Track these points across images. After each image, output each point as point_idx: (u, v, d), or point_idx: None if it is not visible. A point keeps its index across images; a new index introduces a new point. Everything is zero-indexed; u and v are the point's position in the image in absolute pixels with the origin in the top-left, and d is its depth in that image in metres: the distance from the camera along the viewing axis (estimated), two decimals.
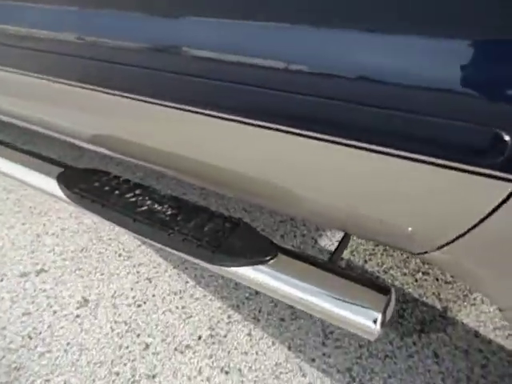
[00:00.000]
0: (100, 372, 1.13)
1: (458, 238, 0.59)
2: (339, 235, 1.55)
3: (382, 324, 0.72)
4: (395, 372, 1.10)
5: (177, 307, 1.30)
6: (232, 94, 0.68)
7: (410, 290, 1.34)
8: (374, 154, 0.58)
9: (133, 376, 1.12)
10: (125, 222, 1.01)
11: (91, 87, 0.90)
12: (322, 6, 0.57)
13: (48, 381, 1.12)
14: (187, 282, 1.39)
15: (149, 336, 1.22)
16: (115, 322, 1.27)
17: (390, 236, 0.75)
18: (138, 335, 1.22)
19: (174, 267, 1.44)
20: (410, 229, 0.67)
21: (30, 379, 1.12)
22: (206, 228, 0.95)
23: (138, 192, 1.10)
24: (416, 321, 1.23)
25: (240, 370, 1.13)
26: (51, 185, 1.15)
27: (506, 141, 0.47)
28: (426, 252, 0.70)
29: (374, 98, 0.54)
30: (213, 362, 1.14)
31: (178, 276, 1.41)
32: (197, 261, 0.92)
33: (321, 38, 0.58)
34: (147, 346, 1.19)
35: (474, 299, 1.30)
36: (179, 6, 0.72)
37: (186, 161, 0.91)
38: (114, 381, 1.11)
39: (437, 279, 1.37)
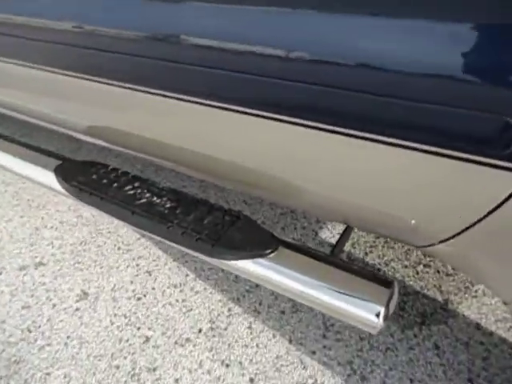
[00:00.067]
0: (100, 365, 1.13)
1: (464, 230, 0.57)
2: (340, 227, 1.55)
3: (385, 317, 0.71)
4: (396, 364, 1.10)
5: (177, 300, 1.30)
6: (232, 84, 0.66)
7: (411, 282, 1.33)
8: (377, 144, 0.57)
9: (133, 369, 1.11)
10: (123, 215, 1.00)
11: (87, 77, 0.88)
12: None
13: (48, 374, 1.12)
14: (187, 275, 1.38)
15: (149, 329, 1.21)
16: (115, 315, 1.26)
17: (393, 229, 0.74)
18: (138, 328, 1.22)
19: (174, 260, 1.44)
20: (413, 221, 0.66)
21: (29, 372, 1.12)
22: (206, 221, 0.94)
23: (136, 185, 1.08)
24: (417, 313, 1.23)
25: (241, 362, 1.12)
26: (49, 177, 1.14)
27: None
28: (429, 245, 0.69)
29: (378, 86, 0.52)
30: (213, 355, 1.14)
31: (177, 269, 1.41)
32: (196, 254, 0.91)
33: (318, 23, 0.56)
34: (147, 339, 1.19)
35: (476, 291, 1.29)
36: None
37: (185, 152, 0.90)
38: (114, 374, 1.11)
39: (438, 271, 1.36)
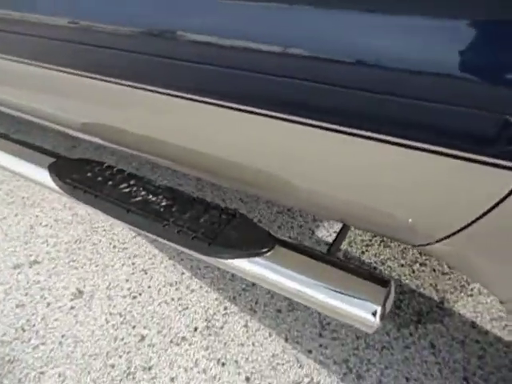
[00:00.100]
0: (95, 364, 1.12)
1: (461, 229, 0.57)
2: (337, 226, 1.54)
3: (382, 317, 0.71)
4: (392, 363, 1.10)
5: (172, 299, 1.29)
6: (228, 80, 0.65)
7: (407, 281, 1.33)
8: (374, 142, 0.56)
9: (128, 368, 1.11)
10: (118, 213, 0.99)
11: (83, 73, 0.87)
12: None
13: (42, 373, 1.11)
14: (183, 274, 1.37)
15: (144, 328, 1.21)
16: (110, 313, 1.25)
17: (390, 227, 0.74)
18: (134, 327, 1.21)
19: (170, 258, 1.43)
20: (410, 220, 0.66)
21: (24, 372, 1.11)
22: (202, 219, 0.93)
23: (132, 182, 1.07)
24: (413, 312, 1.23)
25: (236, 361, 1.12)
26: (43, 175, 1.13)
27: None
28: (426, 244, 0.68)
29: (377, 84, 0.52)
30: (209, 354, 1.14)
31: (173, 267, 1.40)
32: (192, 253, 0.91)
33: (315, 18, 0.55)
34: (143, 337, 1.18)
35: (471, 290, 1.29)
36: None
37: (181, 150, 0.89)
38: (109, 373, 1.10)
39: (434, 270, 1.37)
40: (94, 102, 0.97)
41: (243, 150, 0.77)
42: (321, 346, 1.15)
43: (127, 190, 1.04)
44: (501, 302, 0.70)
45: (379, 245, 1.47)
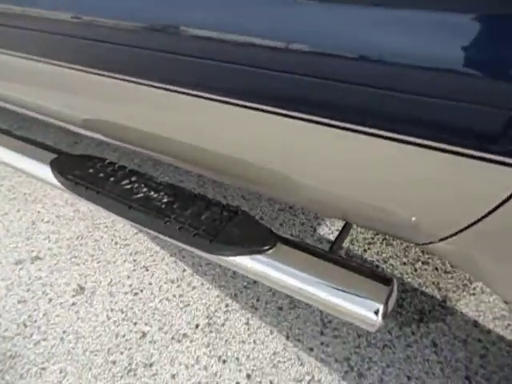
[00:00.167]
0: (96, 360, 1.12)
1: (465, 228, 0.56)
2: (339, 224, 1.54)
3: (384, 315, 0.70)
4: (393, 361, 1.09)
5: (174, 295, 1.29)
6: (230, 76, 0.65)
7: (409, 279, 1.33)
8: (377, 139, 0.56)
9: (129, 364, 1.11)
10: (120, 210, 0.99)
11: (85, 69, 0.86)
12: None
13: (44, 369, 1.11)
14: (184, 271, 1.37)
15: (146, 324, 1.21)
16: (112, 310, 1.25)
17: (392, 226, 0.73)
18: (135, 323, 1.21)
19: (172, 255, 1.43)
20: (413, 218, 0.65)
21: (25, 367, 1.11)
22: (203, 216, 0.93)
23: (133, 179, 1.07)
24: (415, 310, 1.23)
25: (238, 358, 1.12)
26: (45, 171, 1.12)
27: None
28: (429, 243, 0.68)
29: (379, 80, 0.51)
30: (210, 351, 1.13)
31: (175, 264, 1.40)
32: (194, 250, 0.90)
33: (317, 13, 0.54)
34: (144, 334, 1.18)
35: (474, 289, 1.29)
36: None
37: (182, 146, 0.88)
38: (110, 369, 1.10)
39: (436, 269, 1.36)
40: (96, 98, 0.96)
41: (245, 146, 0.76)
42: (322, 344, 1.15)
43: (129, 186, 1.04)
44: (505, 302, 0.69)
45: (381, 243, 1.46)
